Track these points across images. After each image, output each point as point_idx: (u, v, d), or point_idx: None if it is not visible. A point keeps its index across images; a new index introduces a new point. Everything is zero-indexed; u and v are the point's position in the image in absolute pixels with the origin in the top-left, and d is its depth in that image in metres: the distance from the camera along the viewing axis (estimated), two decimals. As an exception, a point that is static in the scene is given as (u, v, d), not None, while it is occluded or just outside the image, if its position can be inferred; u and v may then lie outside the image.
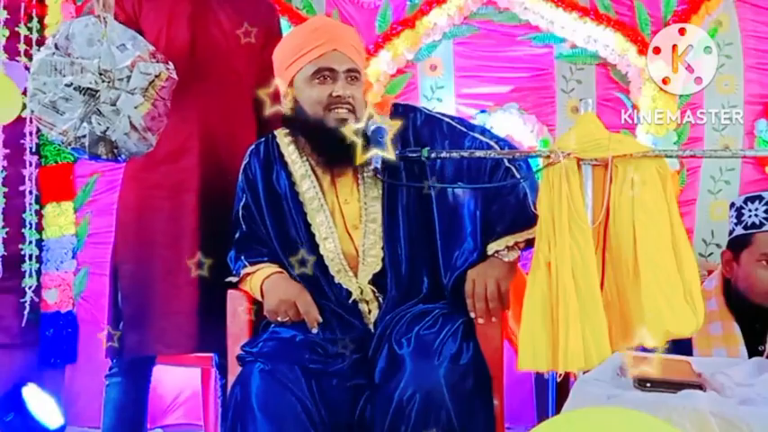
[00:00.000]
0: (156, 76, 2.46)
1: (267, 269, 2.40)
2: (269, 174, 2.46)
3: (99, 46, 2.42)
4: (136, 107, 2.44)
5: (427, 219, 2.37)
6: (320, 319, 2.29)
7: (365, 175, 2.38)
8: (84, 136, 2.41)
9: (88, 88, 2.41)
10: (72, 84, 2.40)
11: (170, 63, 2.50)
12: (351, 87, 2.35)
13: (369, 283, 2.36)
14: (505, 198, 2.30)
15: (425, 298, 2.33)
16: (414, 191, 2.37)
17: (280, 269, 2.40)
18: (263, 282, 2.37)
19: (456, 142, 2.37)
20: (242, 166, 2.50)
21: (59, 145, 2.55)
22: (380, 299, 2.35)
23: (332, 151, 2.35)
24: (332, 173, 2.42)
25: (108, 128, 2.42)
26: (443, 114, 2.52)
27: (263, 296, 2.37)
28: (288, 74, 2.40)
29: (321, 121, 2.34)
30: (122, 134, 2.43)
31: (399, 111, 2.46)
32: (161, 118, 2.49)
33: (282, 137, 2.48)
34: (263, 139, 2.52)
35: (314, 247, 2.39)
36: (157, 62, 2.47)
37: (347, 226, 2.40)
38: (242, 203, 2.47)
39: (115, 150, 2.45)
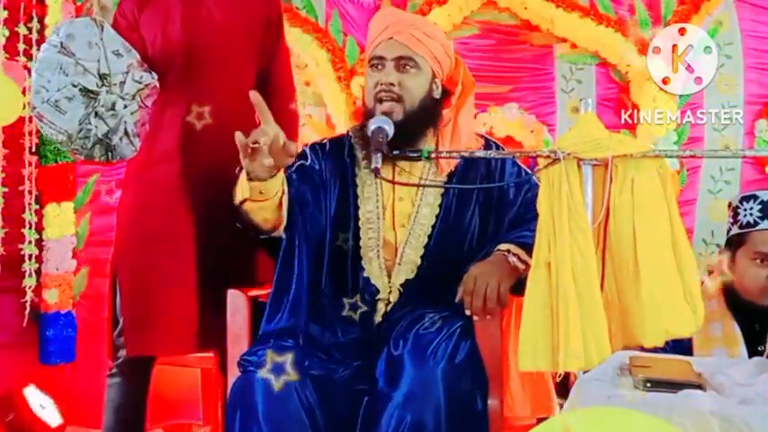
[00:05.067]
0: (146, 85, 2.51)
1: None
2: (339, 168, 2.41)
3: (98, 49, 2.45)
4: (132, 113, 2.49)
5: (464, 236, 2.36)
6: (260, 142, 2.10)
7: (428, 179, 2.36)
8: (88, 138, 2.45)
9: (89, 90, 2.43)
10: (77, 84, 2.42)
11: (154, 73, 2.53)
12: (399, 75, 2.30)
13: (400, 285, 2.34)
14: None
15: (432, 301, 2.30)
16: (477, 208, 2.36)
17: None
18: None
19: (520, 184, 2.38)
20: (312, 144, 2.45)
21: (59, 144, 2.56)
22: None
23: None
24: (393, 168, 2.34)
25: (108, 131, 2.46)
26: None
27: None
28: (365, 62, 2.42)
29: (372, 112, 2.30)
30: (119, 138, 2.48)
31: (488, 144, 2.46)
32: (145, 125, 2.54)
33: (355, 132, 2.45)
34: (340, 134, 2.51)
35: (356, 242, 2.35)
36: (145, 71, 2.51)
37: (395, 223, 2.37)
38: (294, 167, 2.35)
39: (109, 153, 2.50)
